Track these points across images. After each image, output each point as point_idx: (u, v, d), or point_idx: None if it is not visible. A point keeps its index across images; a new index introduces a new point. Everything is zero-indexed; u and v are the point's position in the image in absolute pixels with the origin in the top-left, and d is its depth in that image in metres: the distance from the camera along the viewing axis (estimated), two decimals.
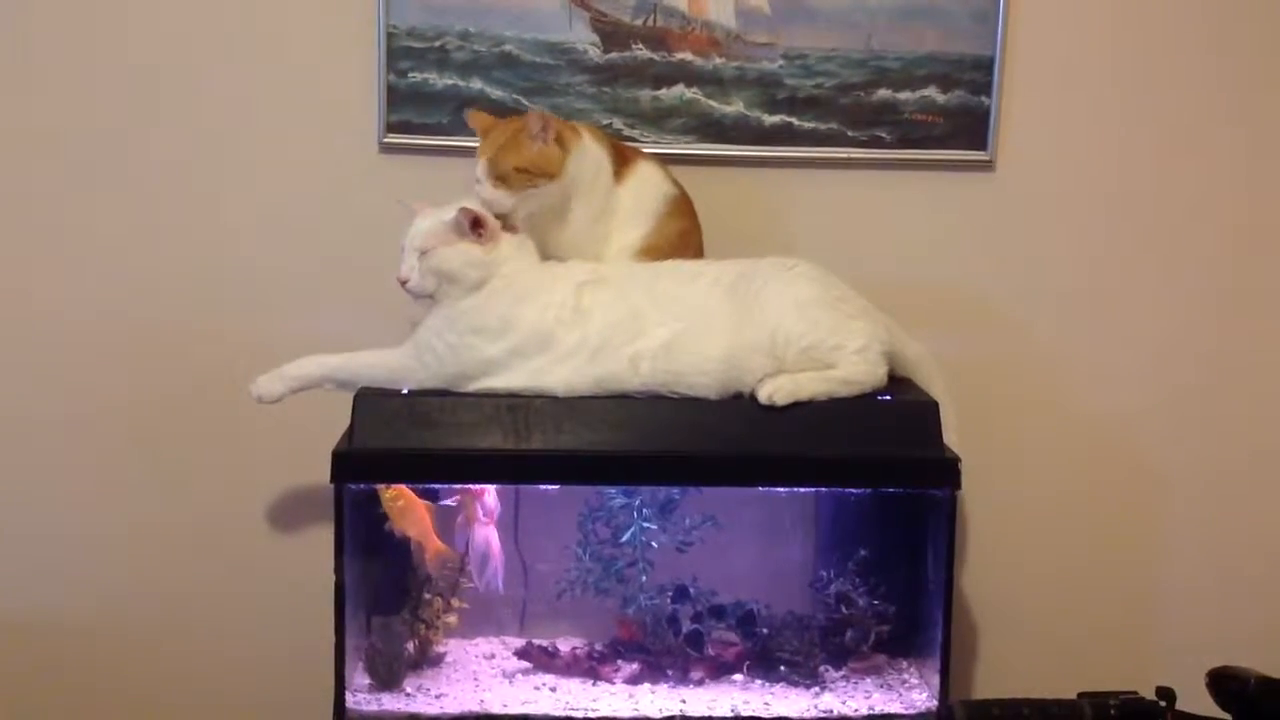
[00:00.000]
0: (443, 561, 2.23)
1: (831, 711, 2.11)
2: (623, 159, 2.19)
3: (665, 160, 2.27)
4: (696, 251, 2.21)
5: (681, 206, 2.20)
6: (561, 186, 2.11)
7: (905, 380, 2.16)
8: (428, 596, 2.24)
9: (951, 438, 2.07)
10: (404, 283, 2.06)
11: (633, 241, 2.16)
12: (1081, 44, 2.41)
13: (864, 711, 2.11)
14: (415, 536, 2.21)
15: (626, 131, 2.36)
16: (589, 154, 2.14)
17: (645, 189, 2.18)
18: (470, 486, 2.19)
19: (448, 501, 2.23)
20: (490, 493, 2.22)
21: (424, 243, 2.05)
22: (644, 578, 2.25)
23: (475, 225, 2.05)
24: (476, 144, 2.14)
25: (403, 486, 2.16)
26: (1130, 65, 2.42)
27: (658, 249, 2.16)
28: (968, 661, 2.48)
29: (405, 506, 2.18)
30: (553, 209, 2.13)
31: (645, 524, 2.24)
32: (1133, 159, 2.44)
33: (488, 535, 2.24)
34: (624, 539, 2.24)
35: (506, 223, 2.09)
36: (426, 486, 2.18)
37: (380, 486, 2.15)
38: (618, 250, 2.16)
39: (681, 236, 2.19)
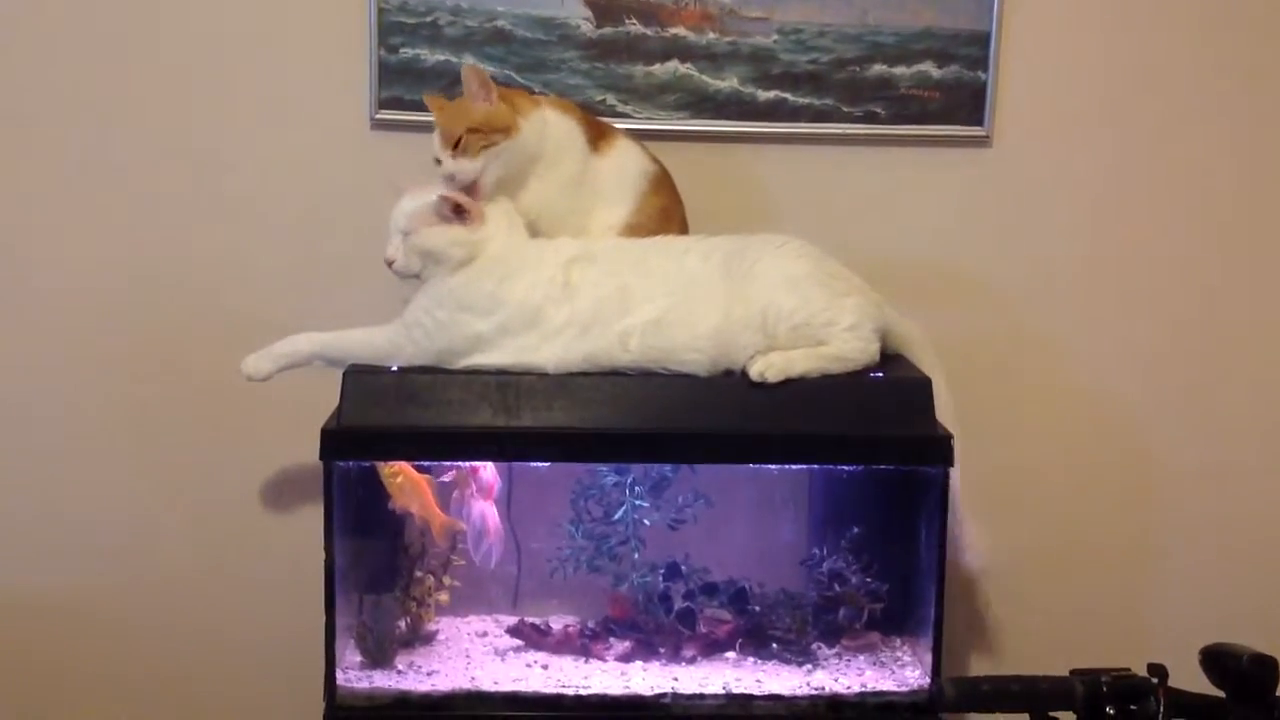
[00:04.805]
0: (451, 532, 2.23)
1: (824, 689, 2.10)
2: (599, 132, 2.17)
3: (657, 136, 2.26)
4: (680, 227, 2.20)
5: (662, 183, 2.19)
6: (520, 146, 2.07)
7: (898, 357, 2.15)
8: (419, 574, 2.24)
9: (944, 415, 2.06)
10: (390, 263, 2.05)
11: (616, 220, 2.14)
12: (1078, 18, 2.40)
13: (856, 689, 2.11)
14: (418, 512, 2.21)
15: (620, 108, 2.35)
16: (550, 121, 2.12)
17: (626, 165, 2.16)
18: (460, 464, 2.19)
19: (444, 478, 2.22)
20: (488, 467, 2.22)
21: (408, 224, 2.04)
22: (636, 556, 2.24)
23: (457, 211, 2.03)
24: None
25: (402, 463, 2.15)
26: (1128, 40, 2.41)
27: (641, 226, 2.14)
28: (960, 639, 2.47)
29: (405, 482, 2.17)
30: (520, 173, 2.10)
31: (637, 502, 2.23)
32: (1130, 135, 2.43)
33: (484, 510, 2.23)
34: (616, 517, 2.23)
35: (477, 192, 2.06)
36: (418, 464, 2.17)
37: (380, 464, 2.14)
38: (601, 229, 2.14)
39: (663, 213, 2.17)
